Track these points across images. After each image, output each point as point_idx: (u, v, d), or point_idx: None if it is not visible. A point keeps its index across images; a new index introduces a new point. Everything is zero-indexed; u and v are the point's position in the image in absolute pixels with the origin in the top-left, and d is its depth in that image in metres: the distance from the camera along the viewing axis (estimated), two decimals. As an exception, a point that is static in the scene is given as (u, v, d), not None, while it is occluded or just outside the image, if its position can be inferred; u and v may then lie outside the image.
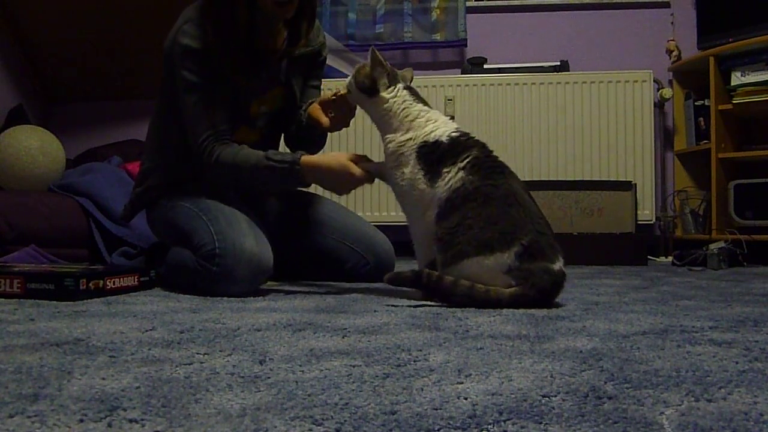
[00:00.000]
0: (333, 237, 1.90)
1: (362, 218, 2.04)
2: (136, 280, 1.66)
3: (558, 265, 1.37)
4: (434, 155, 1.47)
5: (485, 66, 3.40)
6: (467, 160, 1.44)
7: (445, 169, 1.44)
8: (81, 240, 2.41)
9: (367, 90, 1.55)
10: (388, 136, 1.54)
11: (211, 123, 1.66)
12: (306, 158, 1.61)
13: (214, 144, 1.65)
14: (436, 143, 1.48)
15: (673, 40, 3.40)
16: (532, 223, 1.38)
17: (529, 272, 1.33)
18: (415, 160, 1.48)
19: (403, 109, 1.53)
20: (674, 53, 3.38)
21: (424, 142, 1.49)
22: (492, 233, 1.35)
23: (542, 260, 1.35)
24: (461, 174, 1.42)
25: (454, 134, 1.49)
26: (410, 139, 1.50)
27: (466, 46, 3.56)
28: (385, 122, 1.55)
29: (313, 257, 1.93)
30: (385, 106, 1.54)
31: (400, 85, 1.55)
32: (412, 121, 1.52)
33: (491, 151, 1.49)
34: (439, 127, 1.51)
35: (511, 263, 1.33)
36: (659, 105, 3.43)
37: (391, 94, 1.54)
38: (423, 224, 1.49)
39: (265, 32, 1.73)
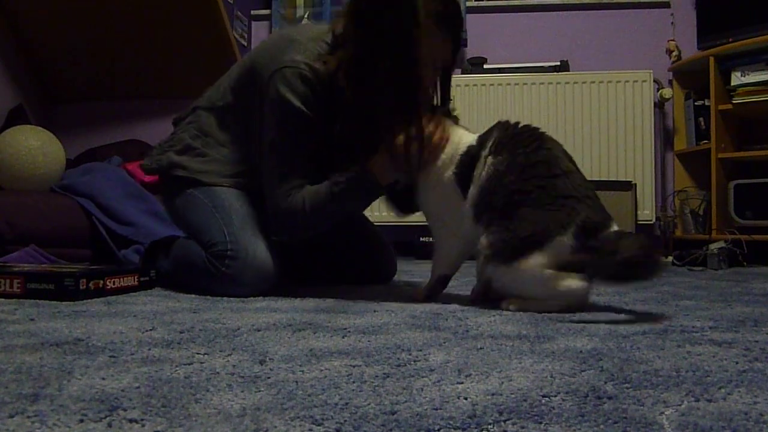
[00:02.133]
0: (334, 238, 1.90)
1: (363, 218, 2.03)
2: (136, 280, 1.66)
3: (614, 226, 1.30)
4: (467, 165, 1.39)
5: (485, 66, 3.40)
6: (490, 144, 1.38)
7: (476, 172, 1.38)
8: (82, 240, 2.41)
9: None
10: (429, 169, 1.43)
11: (291, 177, 1.52)
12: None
13: (295, 194, 1.52)
14: (468, 151, 1.41)
15: (673, 40, 3.40)
16: (579, 192, 1.30)
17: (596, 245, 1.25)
18: (453, 186, 1.41)
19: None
20: (674, 53, 3.38)
21: (460, 160, 1.41)
22: (544, 221, 1.27)
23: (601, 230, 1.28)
24: (490, 159, 1.36)
25: (479, 135, 1.44)
26: (448, 168, 1.42)
27: (466, 46, 3.55)
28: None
29: (315, 258, 1.93)
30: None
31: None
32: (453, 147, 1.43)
33: (516, 124, 1.41)
34: (467, 137, 1.45)
35: (572, 243, 1.26)
36: (659, 105, 3.43)
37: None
38: (457, 236, 1.42)
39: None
